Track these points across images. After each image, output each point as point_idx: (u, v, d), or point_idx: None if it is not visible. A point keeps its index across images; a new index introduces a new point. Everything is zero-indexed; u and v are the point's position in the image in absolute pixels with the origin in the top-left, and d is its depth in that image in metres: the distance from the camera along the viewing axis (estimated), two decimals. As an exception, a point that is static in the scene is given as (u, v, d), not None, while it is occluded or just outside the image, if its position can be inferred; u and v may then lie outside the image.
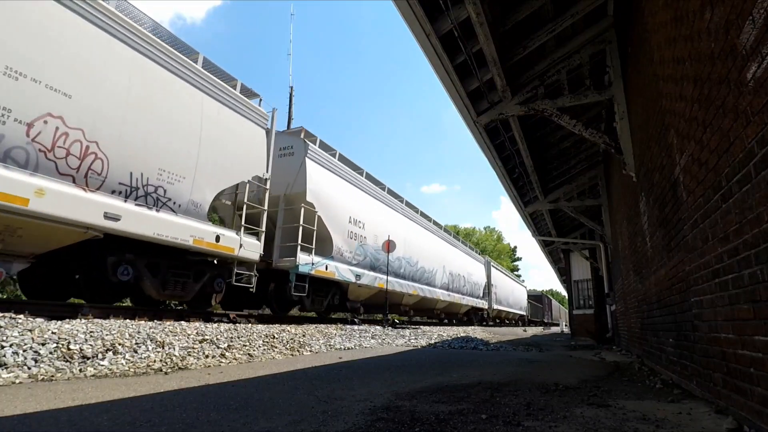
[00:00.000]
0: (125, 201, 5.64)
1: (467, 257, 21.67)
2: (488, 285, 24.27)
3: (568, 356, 7.02)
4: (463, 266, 20.26)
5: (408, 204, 15.40)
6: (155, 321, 5.43)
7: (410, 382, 3.70)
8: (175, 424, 2.15)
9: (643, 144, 4.68)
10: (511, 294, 30.26)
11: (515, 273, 59.83)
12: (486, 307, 23.55)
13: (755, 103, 1.86)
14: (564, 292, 35.79)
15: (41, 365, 3.38)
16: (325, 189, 9.89)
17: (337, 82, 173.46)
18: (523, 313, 34.39)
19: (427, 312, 18.03)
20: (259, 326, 6.61)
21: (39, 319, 4.17)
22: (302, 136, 10.03)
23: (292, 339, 6.24)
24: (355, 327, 9.25)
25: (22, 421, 2.13)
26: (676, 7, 2.94)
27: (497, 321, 28.22)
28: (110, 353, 3.91)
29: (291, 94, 21.33)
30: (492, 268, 25.35)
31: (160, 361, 4.10)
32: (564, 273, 19.12)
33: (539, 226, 14.38)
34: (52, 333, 3.85)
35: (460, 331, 13.82)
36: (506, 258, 59.27)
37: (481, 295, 23.01)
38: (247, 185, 7.81)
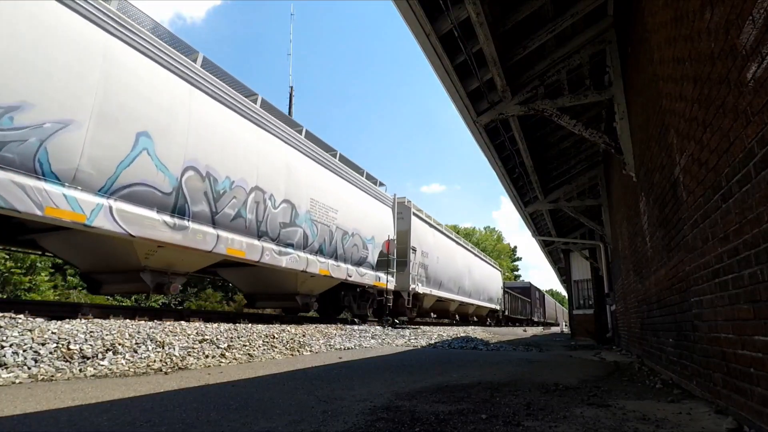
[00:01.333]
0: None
1: (334, 177, 10.27)
2: (402, 247, 13.11)
3: (568, 356, 7.02)
4: (313, 192, 9.24)
5: None
6: (155, 321, 5.43)
7: (410, 382, 3.70)
8: (174, 424, 2.15)
9: (643, 144, 4.68)
10: (467, 275, 19.14)
11: (514, 273, 59.78)
12: (391, 287, 12.23)
13: (755, 103, 1.86)
14: (564, 292, 34.82)
15: (41, 365, 3.38)
16: None
17: (337, 82, 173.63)
18: (495, 306, 24.19)
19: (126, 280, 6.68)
20: (259, 326, 6.60)
21: (39, 319, 4.17)
22: None
23: (292, 339, 6.24)
24: (355, 327, 9.26)
25: (22, 421, 2.13)
26: (676, 7, 2.94)
27: (433, 316, 18.17)
28: (110, 353, 3.90)
29: (291, 94, 21.36)
30: (416, 219, 14.04)
31: (160, 361, 4.09)
32: (564, 273, 19.10)
33: (539, 226, 14.37)
34: (52, 333, 3.85)
35: (460, 332, 13.82)
36: (506, 258, 59.26)
37: (375, 262, 11.64)
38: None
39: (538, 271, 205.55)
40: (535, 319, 35.39)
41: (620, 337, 9.29)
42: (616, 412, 2.66)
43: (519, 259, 65.24)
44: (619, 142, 5.54)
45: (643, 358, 5.74)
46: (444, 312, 19.03)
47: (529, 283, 36.28)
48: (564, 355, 7.34)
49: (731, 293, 2.29)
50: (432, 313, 17.84)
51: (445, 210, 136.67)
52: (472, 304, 20.54)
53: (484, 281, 22.29)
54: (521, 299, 31.78)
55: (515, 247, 64.42)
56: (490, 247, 57.41)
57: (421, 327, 13.78)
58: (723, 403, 2.54)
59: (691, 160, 2.84)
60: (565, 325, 36.13)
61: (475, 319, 23.38)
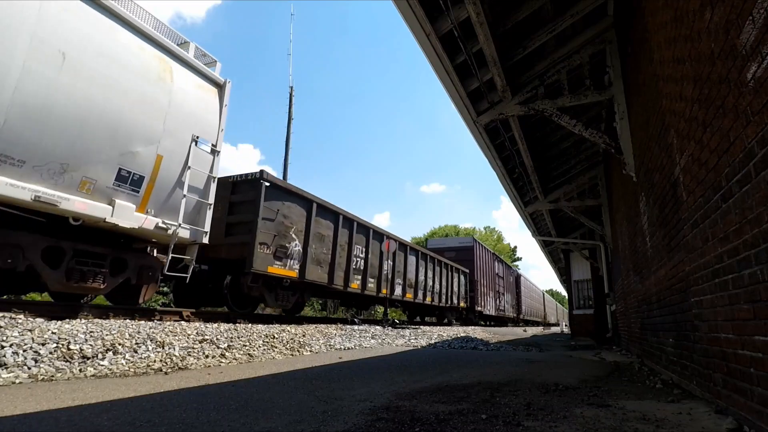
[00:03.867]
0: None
1: None
2: None
3: (567, 356, 7.02)
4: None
5: None
6: (155, 321, 5.43)
7: (410, 382, 3.70)
8: (175, 424, 2.15)
9: (643, 144, 4.68)
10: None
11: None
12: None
13: (755, 103, 1.85)
14: (564, 292, 34.00)
15: (41, 365, 3.38)
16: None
17: (337, 82, 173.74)
18: (190, 233, 6.04)
19: None
20: (259, 326, 6.61)
21: (39, 319, 4.17)
22: None
23: (292, 339, 6.24)
24: (355, 327, 9.26)
25: (22, 421, 2.13)
26: (676, 7, 2.94)
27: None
28: (110, 353, 3.90)
29: (291, 94, 21.34)
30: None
31: (160, 361, 4.09)
32: (564, 273, 19.10)
33: (539, 226, 14.37)
34: (52, 333, 3.85)
35: (460, 332, 13.82)
36: (506, 258, 59.22)
37: None
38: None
39: (538, 271, 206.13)
40: (488, 313, 19.85)
41: (620, 337, 9.29)
42: (616, 412, 2.66)
43: (519, 259, 65.24)
44: (619, 142, 5.54)
45: (643, 358, 5.74)
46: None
47: (473, 239, 20.95)
48: (564, 355, 7.34)
49: (731, 293, 2.29)
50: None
51: (445, 210, 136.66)
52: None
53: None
54: (441, 266, 16.36)
55: (515, 247, 64.39)
56: (491, 247, 57.40)
57: (421, 327, 13.79)
58: (723, 403, 2.54)
59: (691, 160, 2.84)
60: (565, 326, 35.90)
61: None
